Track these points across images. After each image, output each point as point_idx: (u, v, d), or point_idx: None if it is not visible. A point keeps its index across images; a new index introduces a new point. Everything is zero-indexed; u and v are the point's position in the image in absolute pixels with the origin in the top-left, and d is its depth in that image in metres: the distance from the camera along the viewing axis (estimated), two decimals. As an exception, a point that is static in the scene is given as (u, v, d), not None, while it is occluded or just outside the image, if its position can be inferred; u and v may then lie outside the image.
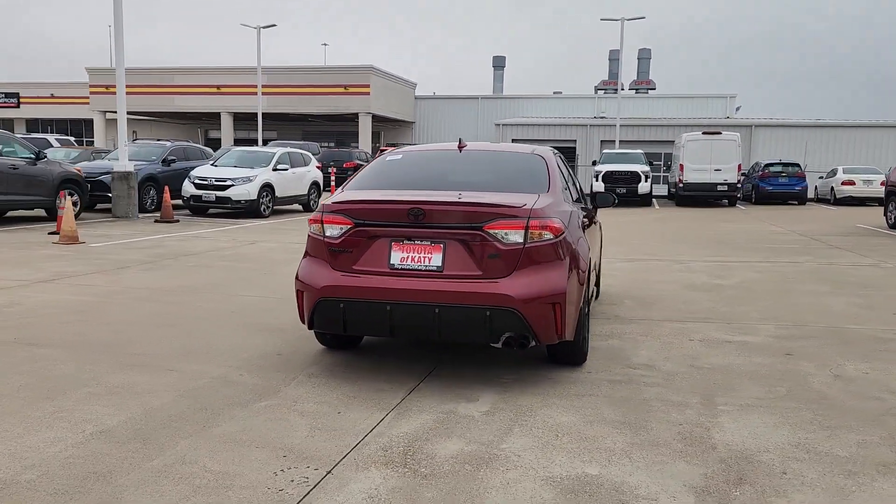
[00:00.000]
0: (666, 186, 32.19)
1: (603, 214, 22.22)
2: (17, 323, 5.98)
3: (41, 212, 15.37)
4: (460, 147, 5.52)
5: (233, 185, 16.86)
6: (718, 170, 25.75)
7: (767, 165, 27.86)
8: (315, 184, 19.68)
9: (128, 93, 42.12)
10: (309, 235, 4.82)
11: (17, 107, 49.66)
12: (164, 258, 10.10)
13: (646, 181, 26.01)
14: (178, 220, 15.88)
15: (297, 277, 4.77)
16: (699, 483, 3.21)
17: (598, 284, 7.54)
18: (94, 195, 16.85)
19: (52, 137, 24.35)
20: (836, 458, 3.50)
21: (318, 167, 20.22)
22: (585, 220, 6.34)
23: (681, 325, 6.41)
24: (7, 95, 49.62)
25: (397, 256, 4.46)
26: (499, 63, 56.85)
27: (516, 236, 4.37)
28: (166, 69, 42.00)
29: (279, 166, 17.96)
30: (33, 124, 50.09)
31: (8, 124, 50.28)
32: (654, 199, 28.13)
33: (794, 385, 4.67)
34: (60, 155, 19.71)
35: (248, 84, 38.53)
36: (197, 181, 17.17)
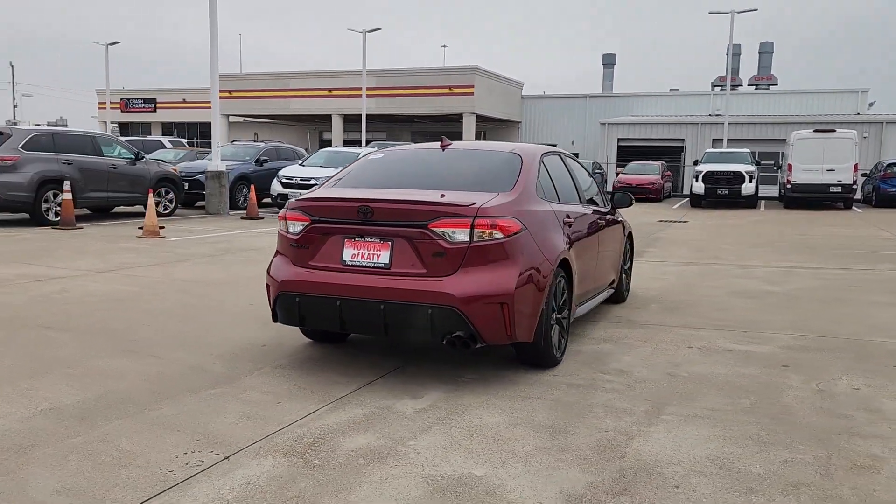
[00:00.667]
0: (777, 188, 30.47)
1: (694, 215, 21.47)
2: (53, 309, 6.53)
3: (142, 208, 16.55)
4: (443, 146, 5.56)
5: (316, 184, 17.49)
6: (831, 170, 24.12)
7: (891, 165, 25.78)
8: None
9: (248, 97, 44.46)
10: (278, 232, 5.01)
11: (154, 111, 53.51)
12: (227, 253, 10.67)
13: (750, 182, 24.75)
14: (262, 218, 16.66)
15: (267, 272, 4.97)
16: (578, 491, 3.12)
17: (621, 287, 7.32)
18: (193, 193, 17.97)
19: (165, 139, 26.13)
20: (747, 475, 3.29)
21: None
22: (597, 221, 6.20)
23: (691, 332, 6.14)
24: (146, 101, 53.58)
25: (349, 253, 4.57)
26: (609, 60, 55.64)
27: (462, 235, 4.37)
28: (282, 74, 43.97)
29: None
30: (168, 127, 53.76)
31: (146, 128, 54.31)
32: (761, 201, 26.74)
33: (762, 398, 4.40)
34: (170, 156, 21.12)
35: (358, 87, 39.69)
36: (284, 180, 17.94)
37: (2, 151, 12.94)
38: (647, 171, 28.71)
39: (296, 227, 4.75)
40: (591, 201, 6.61)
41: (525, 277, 4.54)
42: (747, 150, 27.34)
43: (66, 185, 13.35)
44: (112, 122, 52.75)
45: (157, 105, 53.08)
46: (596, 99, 45.99)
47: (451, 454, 3.50)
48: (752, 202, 25.12)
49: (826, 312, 7.05)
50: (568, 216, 5.42)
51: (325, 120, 44.90)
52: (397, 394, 4.40)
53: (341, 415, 4.03)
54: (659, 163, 30.24)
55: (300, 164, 19.06)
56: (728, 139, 32.62)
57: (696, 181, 25.06)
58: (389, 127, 47.89)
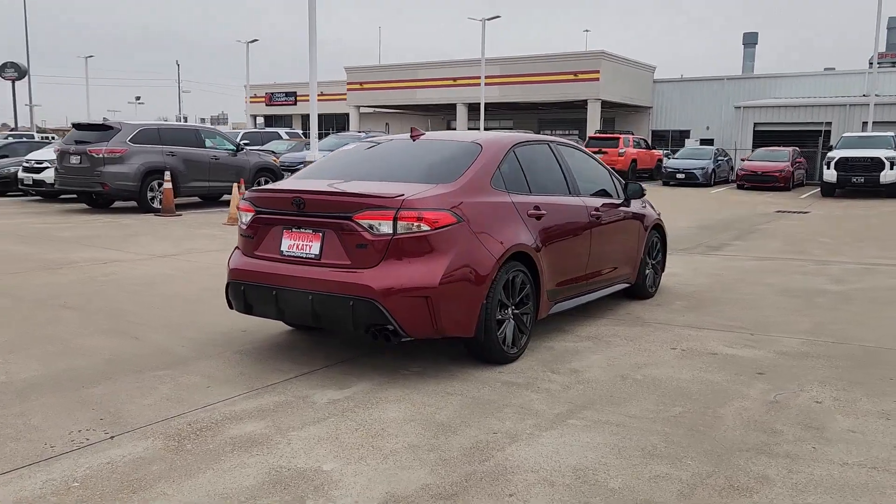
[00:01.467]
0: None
1: (821, 205, 19.78)
2: (86, 290, 7.10)
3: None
4: (413, 137, 5.52)
5: (408, 174, 17.80)
6: None
7: None
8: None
9: (378, 88, 45.72)
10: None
11: (295, 104, 56.30)
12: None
13: (891, 169, 22.49)
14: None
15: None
16: (405, 493, 3.03)
17: (643, 282, 6.95)
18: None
19: (282, 130, 27.42)
20: (599, 488, 3.07)
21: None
22: (595, 213, 5.92)
23: (691, 333, 5.74)
24: (287, 95, 56.49)
25: (286, 244, 4.65)
26: (750, 40, 52.17)
27: (386, 227, 4.33)
28: (409, 64, 44.88)
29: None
30: (306, 119, 56.39)
31: (287, 120, 57.26)
32: (905, 190, 24.23)
33: (698, 407, 4.06)
34: (282, 146, 22.19)
35: (484, 75, 39.74)
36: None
37: (112, 144, 14.14)
38: (774, 158, 26.73)
39: (245, 218, 4.90)
40: (601, 193, 6.32)
41: (456, 271, 4.44)
42: (891, 134, 24.84)
43: (167, 175, 14.38)
44: (256, 115, 56.07)
45: (297, 98, 55.75)
46: (734, 81, 43.37)
47: (318, 447, 3.51)
48: (892, 191, 22.84)
49: (868, 316, 6.35)
50: (537, 208, 5.21)
51: (451, 109, 45.38)
52: (326, 384, 4.44)
53: (253, 402, 4.13)
54: (790, 149, 28.06)
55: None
56: (874, 122, 29.79)
57: (828, 168, 23.10)
58: (515, 115, 47.68)
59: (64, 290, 7.10)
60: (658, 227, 7.31)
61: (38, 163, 16.69)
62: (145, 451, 3.46)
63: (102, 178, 14.05)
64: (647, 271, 7.09)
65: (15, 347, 5.13)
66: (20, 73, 50.05)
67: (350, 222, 4.39)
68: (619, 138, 27.68)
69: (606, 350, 5.24)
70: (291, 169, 18.54)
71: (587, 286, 5.97)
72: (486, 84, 38.38)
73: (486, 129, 37.58)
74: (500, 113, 47.06)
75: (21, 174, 16.94)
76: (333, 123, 54.04)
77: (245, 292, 4.78)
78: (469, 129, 43.54)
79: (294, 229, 4.64)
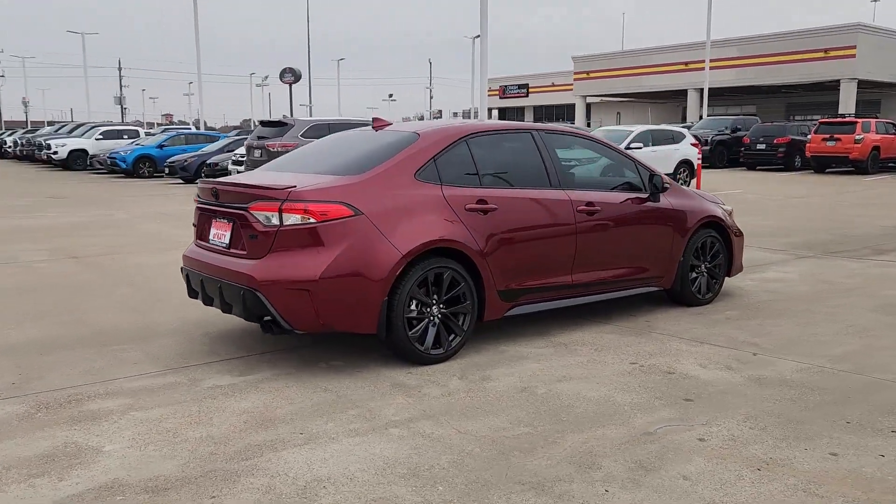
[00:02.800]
0: None
1: None
2: (113, 277, 7.84)
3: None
4: (375, 127, 5.43)
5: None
6: None
7: None
8: (685, 162, 18.61)
9: (605, 76, 44.68)
10: None
11: (527, 96, 56.93)
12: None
13: None
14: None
15: None
16: (107, 482, 3.06)
17: (684, 287, 6.15)
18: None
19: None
20: (309, 502, 2.84)
21: (693, 145, 19.05)
22: (584, 208, 5.39)
23: (680, 347, 5.01)
24: (519, 87, 57.27)
25: (212, 233, 4.84)
26: None
27: (275, 218, 4.33)
28: (637, 51, 43.20)
29: (633, 145, 17.59)
30: (538, 111, 56.78)
31: (520, 112, 58.06)
32: None
33: (550, 429, 3.55)
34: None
35: (718, 58, 37.00)
36: (554, 161, 18.03)
37: (284, 139, 15.47)
38: None
39: (194, 207, 5.17)
40: (623, 186, 5.70)
41: (346, 264, 4.31)
42: None
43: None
44: (491, 108, 57.57)
45: (529, 90, 56.26)
46: None
47: (129, 429, 3.63)
48: None
49: (950, 342, 5.03)
50: (482, 201, 4.85)
51: (683, 95, 42.88)
52: (233, 370, 4.55)
53: (148, 381, 4.37)
54: None
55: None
56: None
57: None
58: (758, 100, 43.70)
59: (138, 272, 7.99)
60: (715, 226, 6.39)
61: (241, 156, 18.75)
62: (5, 414, 3.85)
63: (277, 170, 15.43)
64: (696, 275, 6.23)
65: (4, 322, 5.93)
66: (296, 77, 56.06)
67: (246, 213, 4.45)
68: (856, 123, 24.18)
69: (555, 359, 4.75)
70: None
71: (578, 288, 5.42)
72: (719, 67, 35.74)
73: (713, 115, 34.94)
74: (740, 98, 43.49)
75: (230, 166, 19.16)
76: (564, 114, 53.73)
77: (189, 278, 5.05)
78: (702, 116, 40.77)
79: (216, 219, 4.81)
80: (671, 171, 18.43)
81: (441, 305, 4.68)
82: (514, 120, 36.08)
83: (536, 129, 5.52)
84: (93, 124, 33.84)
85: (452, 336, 4.75)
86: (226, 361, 4.72)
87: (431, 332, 4.64)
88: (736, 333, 5.35)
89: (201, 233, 5.02)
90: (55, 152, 29.23)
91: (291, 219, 4.30)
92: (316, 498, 2.89)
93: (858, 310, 6.05)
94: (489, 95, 57.18)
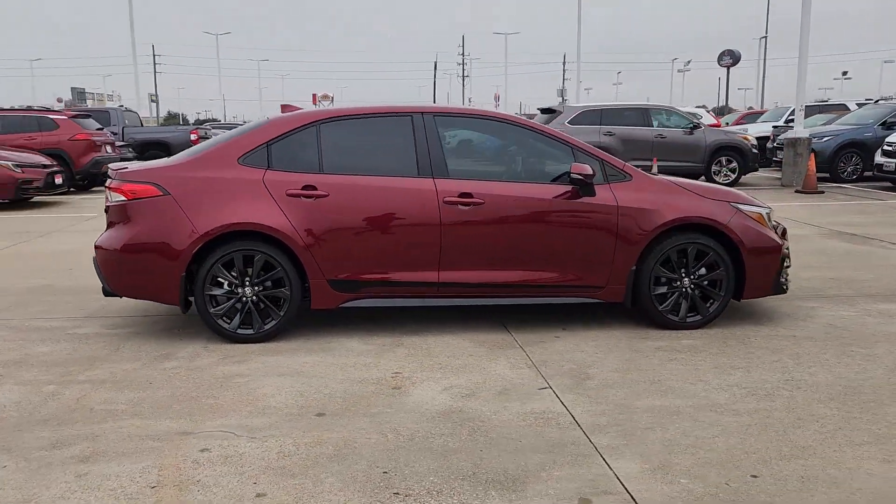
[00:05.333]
0: None
1: None
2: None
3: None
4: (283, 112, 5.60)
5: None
6: None
7: None
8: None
9: None
10: None
11: None
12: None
13: None
14: (822, 192, 14.22)
15: None
16: None
17: (653, 304, 5.03)
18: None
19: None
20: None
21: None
22: (464, 201, 4.85)
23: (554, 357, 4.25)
24: None
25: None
26: None
27: (111, 196, 4.95)
28: None
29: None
30: None
31: None
32: None
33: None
34: (821, 120, 19.31)
35: None
36: (886, 147, 14.59)
37: (551, 127, 15.48)
38: None
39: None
40: (565, 177, 4.93)
41: (147, 239, 4.73)
42: None
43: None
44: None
45: None
46: None
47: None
48: None
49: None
50: (310, 187, 4.76)
51: None
52: (173, 343, 5.15)
53: (76, 346, 5.42)
54: None
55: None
56: None
57: None
58: None
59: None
60: (707, 230, 4.98)
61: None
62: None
63: (540, 158, 15.57)
64: (670, 290, 4.98)
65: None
66: (735, 59, 53.12)
67: (105, 191, 5.16)
68: None
69: (328, 356, 4.48)
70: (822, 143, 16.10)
71: (452, 288, 4.88)
72: None
73: None
74: None
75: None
76: None
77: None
78: None
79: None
80: None
81: (256, 288, 4.77)
82: None
83: (426, 113, 5.06)
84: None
85: (269, 319, 4.80)
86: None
87: (236, 314, 4.77)
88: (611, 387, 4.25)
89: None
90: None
91: (116, 196, 4.88)
92: None
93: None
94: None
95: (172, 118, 79.81)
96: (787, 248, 5.33)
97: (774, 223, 5.50)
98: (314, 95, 55.78)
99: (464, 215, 4.84)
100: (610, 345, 4.67)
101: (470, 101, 77.30)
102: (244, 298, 4.78)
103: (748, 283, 5.09)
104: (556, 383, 3.97)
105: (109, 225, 4.96)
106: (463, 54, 77.18)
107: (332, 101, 56.34)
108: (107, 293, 5.02)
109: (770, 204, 5.61)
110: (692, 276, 5.02)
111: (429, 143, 4.95)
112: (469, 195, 4.85)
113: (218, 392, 3.88)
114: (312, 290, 4.82)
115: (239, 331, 4.79)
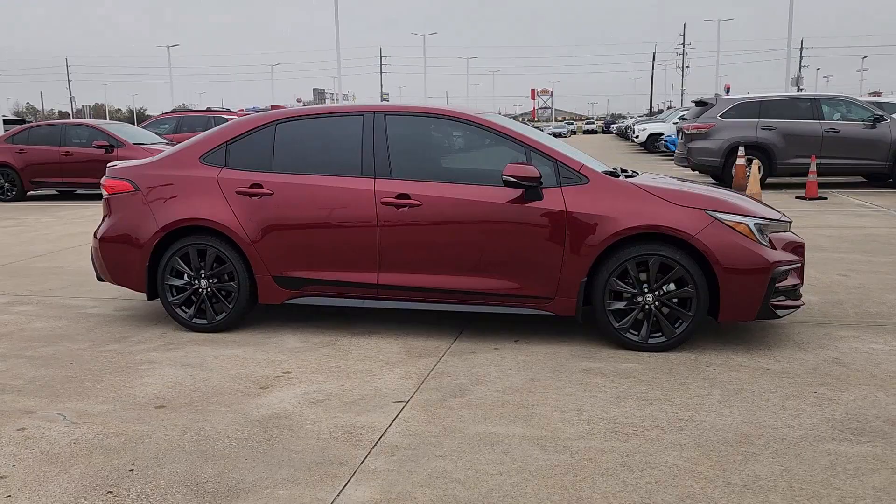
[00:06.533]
0: None
1: None
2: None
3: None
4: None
5: None
6: None
7: None
8: None
9: None
10: None
11: None
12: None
13: None
14: None
15: None
16: None
17: (606, 318, 4.60)
18: None
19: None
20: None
21: None
22: (401, 203, 4.72)
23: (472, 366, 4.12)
24: None
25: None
26: None
27: (104, 190, 5.45)
28: None
29: None
30: None
31: None
32: None
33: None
34: None
35: None
36: None
37: (700, 120, 14.28)
38: None
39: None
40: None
41: (118, 231, 5.15)
42: None
43: (741, 151, 13.54)
44: None
45: None
46: None
47: (-26, 323, 5.46)
48: None
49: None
50: (257, 186, 4.90)
51: None
52: (142, 328, 5.86)
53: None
54: None
55: None
56: None
57: None
58: None
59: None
60: (676, 242, 4.40)
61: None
62: (-8, 304, 6.14)
63: (689, 154, 14.45)
64: (629, 307, 4.48)
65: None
66: None
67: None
68: None
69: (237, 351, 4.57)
70: None
71: (393, 291, 4.76)
72: None
73: None
74: None
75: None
76: None
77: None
78: None
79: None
80: None
81: (209, 280, 5.00)
82: None
83: (377, 112, 4.96)
84: (676, 111, 35.69)
85: (223, 311, 5.02)
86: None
87: (192, 304, 5.04)
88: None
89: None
90: (637, 136, 32.83)
91: (103, 192, 5.36)
92: None
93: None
94: None
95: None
96: (792, 267, 4.53)
97: (792, 235, 4.71)
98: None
99: (400, 217, 4.69)
100: (538, 361, 4.29)
101: (683, 93, 73.28)
102: (199, 290, 5.03)
103: (724, 303, 4.40)
104: (420, 398, 3.73)
105: (102, 217, 5.46)
106: (683, 44, 73.35)
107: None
108: (99, 279, 5.52)
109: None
110: (657, 293, 4.45)
111: (375, 143, 4.86)
112: (406, 196, 4.70)
113: (110, 377, 4.14)
114: (259, 286, 4.95)
115: (194, 320, 5.05)
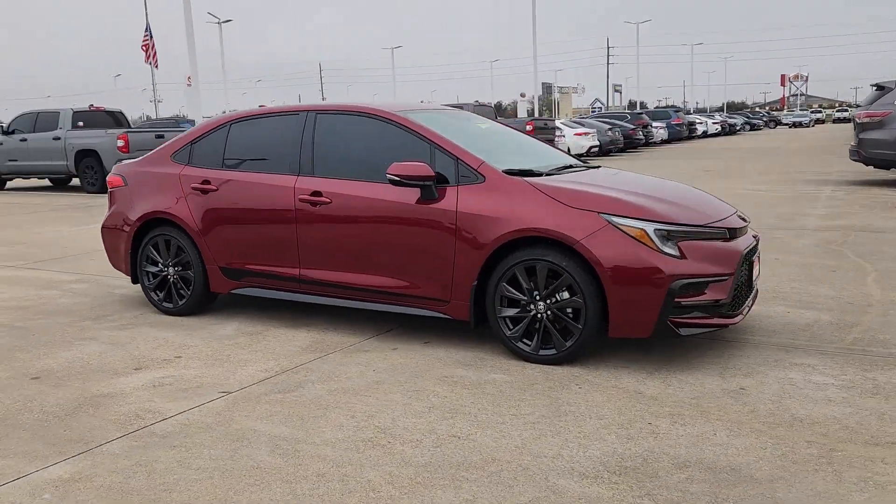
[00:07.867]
0: None
1: None
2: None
3: None
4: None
5: None
6: None
7: None
8: None
9: None
10: None
11: None
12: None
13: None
14: None
15: None
16: None
17: (498, 323, 4.40)
18: None
19: None
20: None
21: None
22: (316, 200, 4.82)
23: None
24: None
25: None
26: None
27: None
28: None
29: None
30: None
31: None
32: None
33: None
34: None
35: None
36: None
37: (873, 108, 12.38)
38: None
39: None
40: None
41: (113, 221, 5.78)
42: None
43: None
44: None
45: None
46: None
47: None
48: None
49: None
50: (206, 182, 5.24)
51: None
52: (131, 308, 6.55)
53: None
54: None
55: None
56: None
57: None
58: None
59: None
60: (563, 248, 4.04)
61: None
62: None
63: (859, 146, 12.61)
64: (521, 315, 4.20)
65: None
66: None
67: (111, 180, 6.33)
68: None
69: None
70: None
71: (315, 286, 4.87)
72: None
73: None
74: None
75: None
76: None
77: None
78: None
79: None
80: None
81: (174, 268, 5.46)
82: None
83: (311, 111, 5.07)
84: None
85: (181, 297, 5.46)
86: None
87: (164, 288, 5.53)
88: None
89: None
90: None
91: (108, 185, 6.03)
92: None
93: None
94: None
95: (632, 107, 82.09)
96: (712, 280, 3.94)
97: (736, 245, 4.12)
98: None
99: (313, 213, 4.78)
100: (410, 365, 4.14)
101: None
102: (168, 277, 5.50)
103: (613, 317, 3.95)
104: (248, 391, 3.80)
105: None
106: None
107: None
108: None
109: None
110: (548, 301, 4.10)
111: (303, 142, 4.98)
112: (319, 194, 4.77)
113: (38, 348, 4.69)
114: (209, 275, 5.30)
115: (164, 304, 5.53)
